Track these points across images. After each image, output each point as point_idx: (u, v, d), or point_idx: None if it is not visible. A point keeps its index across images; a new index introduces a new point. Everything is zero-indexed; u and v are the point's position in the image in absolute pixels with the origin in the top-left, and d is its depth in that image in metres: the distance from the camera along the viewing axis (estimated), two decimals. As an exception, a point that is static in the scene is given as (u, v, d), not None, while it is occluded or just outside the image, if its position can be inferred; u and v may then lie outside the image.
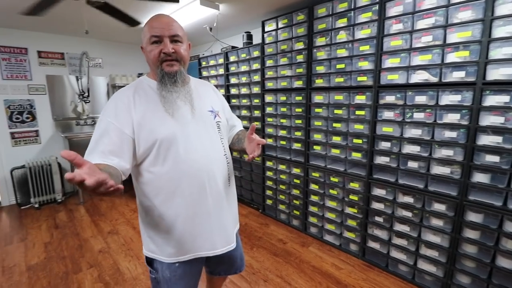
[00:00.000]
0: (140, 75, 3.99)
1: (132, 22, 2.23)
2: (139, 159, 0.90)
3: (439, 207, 1.73)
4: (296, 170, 2.58)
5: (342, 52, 2.06)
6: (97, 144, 0.82)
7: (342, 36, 2.04)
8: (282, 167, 2.70)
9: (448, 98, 1.62)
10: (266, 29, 2.59)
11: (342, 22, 2.03)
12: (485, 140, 1.51)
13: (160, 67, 0.91)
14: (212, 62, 3.37)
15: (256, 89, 2.83)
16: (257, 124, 2.84)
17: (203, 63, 3.51)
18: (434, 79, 1.67)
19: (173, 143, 0.88)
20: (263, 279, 1.95)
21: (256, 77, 2.79)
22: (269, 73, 2.64)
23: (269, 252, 2.28)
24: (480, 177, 1.55)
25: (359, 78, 1.99)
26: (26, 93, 3.24)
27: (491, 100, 1.46)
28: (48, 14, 2.51)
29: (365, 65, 1.95)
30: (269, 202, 2.92)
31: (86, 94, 3.45)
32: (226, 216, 1.04)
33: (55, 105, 3.44)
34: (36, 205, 3.17)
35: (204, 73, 3.53)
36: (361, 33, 1.94)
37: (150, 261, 1.02)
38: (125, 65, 4.00)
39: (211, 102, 1.05)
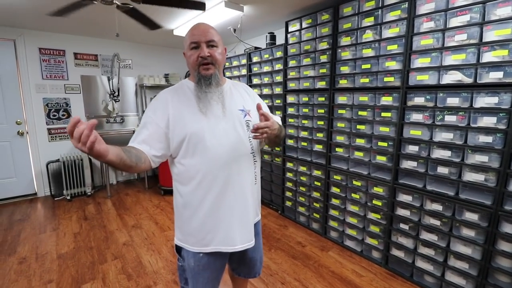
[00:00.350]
0: (166, 75, 4.13)
1: (153, 25, 2.31)
2: (174, 153, 0.99)
3: (471, 216, 1.62)
4: (317, 172, 2.53)
5: (368, 52, 2.00)
6: (137, 135, 0.97)
7: (368, 36, 1.98)
8: (302, 168, 2.67)
9: (484, 100, 1.52)
10: (290, 29, 2.58)
11: (368, 21, 1.97)
12: (525, 145, 1.39)
13: (198, 70, 0.99)
14: (235, 63, 3.41)
15: (278, 90, 2.83)
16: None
17: (226, 64, 3.56)
18: (468, 80, 1.57)
19: (201, 138, 0.95)
20: (281, 282, 1.93)
21: (279, 78, 2.79)
22: (292, 74, 2.63)
23: (288, 254, 2.26)
24: (519, 186, 1.44)
25: (385, 79, 1.92)
26: (62, 92, 3.48)
27: (534, 102, 1.35)
28: (84, 18, 2.68)
29: (393, 65, 1.88)
30: (288, 203, 2.89)
31: (117, 93, 3.63)
32: (248, 213, 1.06)
33: (88, 103, 3.66)
34: (68, 197, 3.38)
35: (227, 74, 3.58)
36: (388, 32, 1.87)
37: (178, 249, 1.08)
38: (152, 66, 4.17)
39: (243, 102, 1.10)
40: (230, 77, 3.49)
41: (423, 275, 1.88)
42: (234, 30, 2.96)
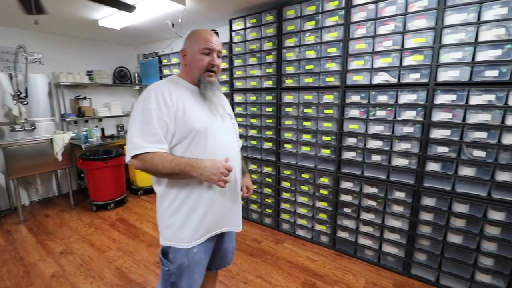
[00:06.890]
0: (90, 72, 3.59)
1: (129, 8, 1.96)
2: (171, 145, 1.01)
3: (400, 194, 1.93)
4: (267, 169, 2.61)
5: (310, 54, 2.15)
6: (145, 133, 0.94)
7: (310, 38, 2.14)
8: (253, 166, 2.71)
9: (406, 97, 1.82)
10: (234, 27, 2.56)
11: (310, 25, 2.12)
12: (436, 134, 1.73)
13: (203, 75, 1.06)
14: (174, 60, 3.21)
15: (224, 89, 2.78)
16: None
17: (164, 61, 3.33)
18: (394, 80, 1.85)
19: (203, 135, 1.02)
20: (243, 282, 1.93)
21: (224, 76, 2.75)
22: (238, 73, 2.62)
23: (246, 253, 2.27)
24: (432, 166, 1.78)
25: (327, 79, 2.11)
26: None
27: (441, 98, 1.68)
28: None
29: (333, 66, 2.07)
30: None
31: (24, 94, 2.97)
32: (237, 202, 1.20)
33: (-19, 106, 2.88)
34: (-41, 228, 2.62)
35: (166, 72, 3.35)
36: (328, 36, 2.05)
37: (165, 252, 1.08)
38: (71, 62, 3.54)
39: (228, 108, 1.25)
40: (169, 75, 3.26)
41: (364, 250, 2.16)
42: (173, 25, 2.78)
